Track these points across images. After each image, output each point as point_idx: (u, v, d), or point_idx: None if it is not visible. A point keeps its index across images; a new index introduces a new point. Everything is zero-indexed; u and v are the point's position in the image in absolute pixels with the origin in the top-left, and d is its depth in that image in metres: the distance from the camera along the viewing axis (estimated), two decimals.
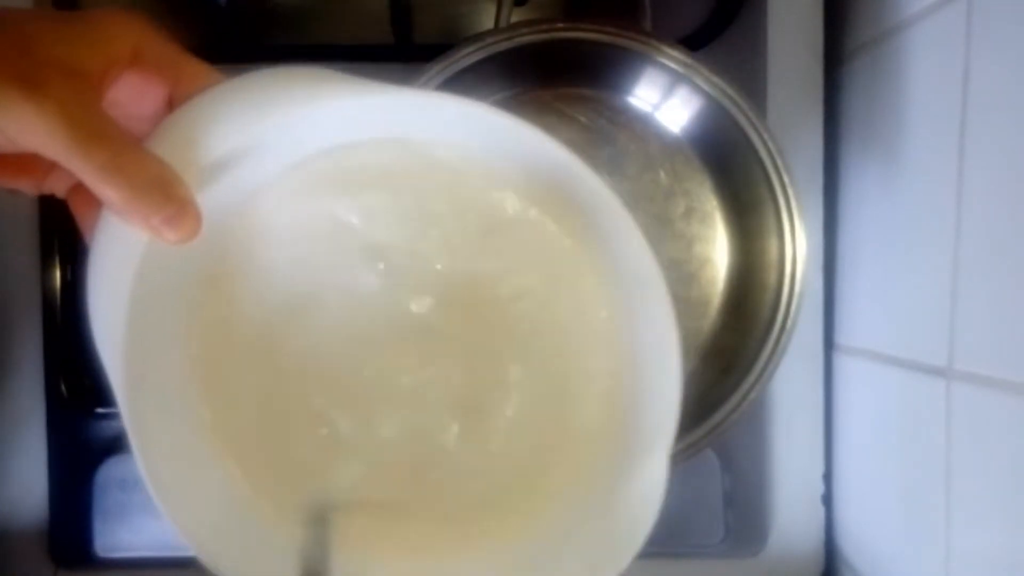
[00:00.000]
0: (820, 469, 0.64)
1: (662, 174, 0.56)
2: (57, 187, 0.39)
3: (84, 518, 0.62)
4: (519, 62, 0.53)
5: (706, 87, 0.52)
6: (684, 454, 0.52)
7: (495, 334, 0.46)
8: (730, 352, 0.55)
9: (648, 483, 0.42)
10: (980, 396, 0.46)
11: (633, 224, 0.40)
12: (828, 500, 0.64)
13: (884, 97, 0.57)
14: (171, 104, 0.38)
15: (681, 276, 0.56)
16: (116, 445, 0.62)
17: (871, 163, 0.59)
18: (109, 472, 0.62)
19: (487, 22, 0.55)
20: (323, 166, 0.42)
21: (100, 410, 0.62)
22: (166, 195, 0.35)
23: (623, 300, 0.44)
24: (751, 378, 0.52)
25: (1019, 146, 0.43)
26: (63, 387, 0.62)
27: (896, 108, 0.56)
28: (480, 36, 0.51)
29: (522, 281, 0.46)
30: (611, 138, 0.56)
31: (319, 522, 0.45)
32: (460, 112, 0.39)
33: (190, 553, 0.62)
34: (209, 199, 0.38)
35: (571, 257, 0.44)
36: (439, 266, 0.45)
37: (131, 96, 0.37)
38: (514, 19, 0.53)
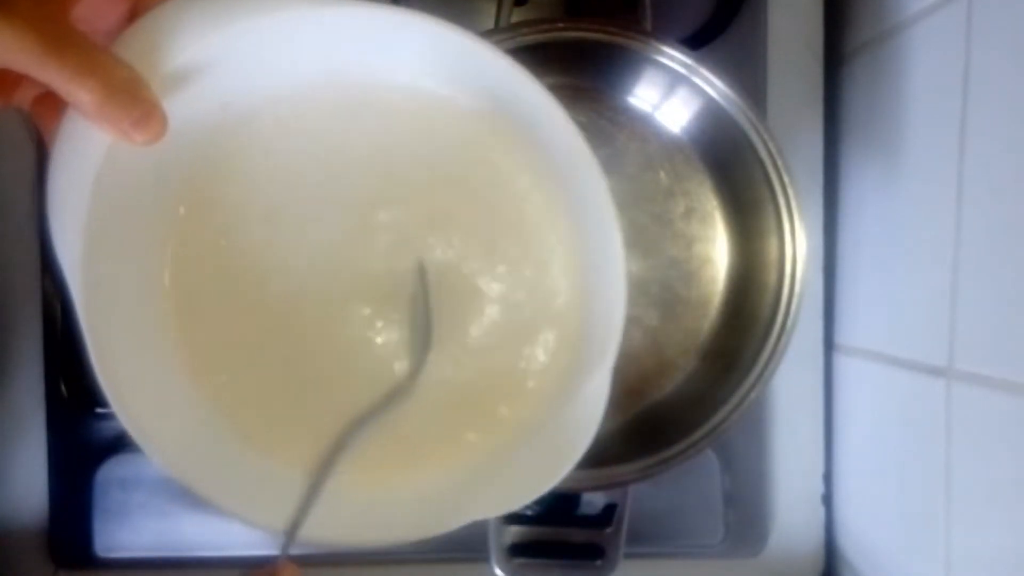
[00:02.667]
0: (820, 469, 0.64)
1: (662, 174, 0.56)
2: (24, 99, 0.40)
3: (84, 518, 0.62)
4: (520, 61, 0.53)
5: (706, 87, 0.52)
6: (684, 454, 0.52)
7: (465, 255, 0.48)
8: (730, 352, 0.55)
9: (591, 399, 0.44)
10: (980, 396, 0.46)
11: (579, 140, 0.42)
12: (828, 500, 0.64)
13: (884, 97, 0.57)
14: (133, 17, 0.39)
15: (681, 276, 0.56)
16: (116, 445, 0.62)
17: (871, 163, 0.59)
18: (109, 472, 0.62)
19: (487, 22, 0.55)
20: (289, 97, 0.44)
21: (100, 410, 0.62)
22: (134, 97, 0.37)
23: (578, 224, 0.46)
24: (751, 378, 0.52)
25: (1019, 146, 0.43)
26: (63, 387, 0.62)
27: (896, 108, 0.56)
28: (480, 36, 0.51)
29: (480, 203, 0.47)
30: (611, 138, 0.56)
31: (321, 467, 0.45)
32: (421, 28, 0.41)
33: (190, 553, 0.62)
34: (175, 108, 0.39)
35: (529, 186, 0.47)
36: (406, 202, 0.47)
37: (95, 11, 0.38)
38: (514, 19, 0.53)
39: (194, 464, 0.44)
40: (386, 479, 0.47)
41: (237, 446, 0.46)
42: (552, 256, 0.47)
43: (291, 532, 0.44)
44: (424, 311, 0.47)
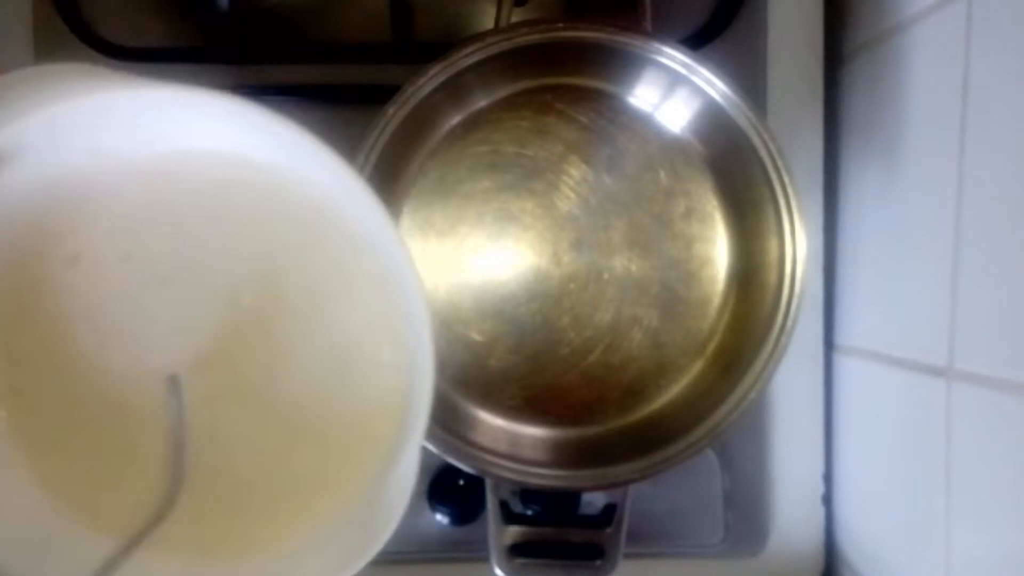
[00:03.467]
0: (820, 469, 0.64)
1: (662, 174, 0.56)
2: None
3: None
4: (519, 62, 0.53)
5: (706, 87, 0.52)
6: (684, 454, 0.52)
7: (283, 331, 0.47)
8: (730, 352, 0.55)
9: (403, 475, 0.43)
10: (980, 396, 0.46)
11: (384, 219, 0.41)
12: (828, 500, 0.64)
13: (884, 97, 0.57)
14: None
15: (681, 276, 0.56)
16: None
17: (871, 163, 0.60)
18: None
19: (487, 22, 0.55)
20: (94, 174, 0.43)
21: None
22: None
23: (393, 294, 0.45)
24: (751, 378, 0.52)
25: (1019, 146, 0.43)
26: None
27: (896, 108, 0.56)
28: (480, 36, 0.51)
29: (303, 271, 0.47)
30: (611, 138, 0.56)
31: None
32: (222, 109, 0.39)
33: None
34: None
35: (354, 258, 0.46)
36: (222, 277, 0.47)
37: None
38: (514, 19, 0.53)
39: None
40: (197, 557, 0.46)
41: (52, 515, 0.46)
42: (375, 328, 0.47)
43: None
44: (177, 428, 0.47)
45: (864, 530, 0.61)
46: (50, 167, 0.41)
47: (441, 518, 0.62)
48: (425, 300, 0.41)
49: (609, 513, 0.52)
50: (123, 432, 0.47)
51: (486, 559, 0.54)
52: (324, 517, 0.47)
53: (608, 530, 0.52)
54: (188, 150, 0.44)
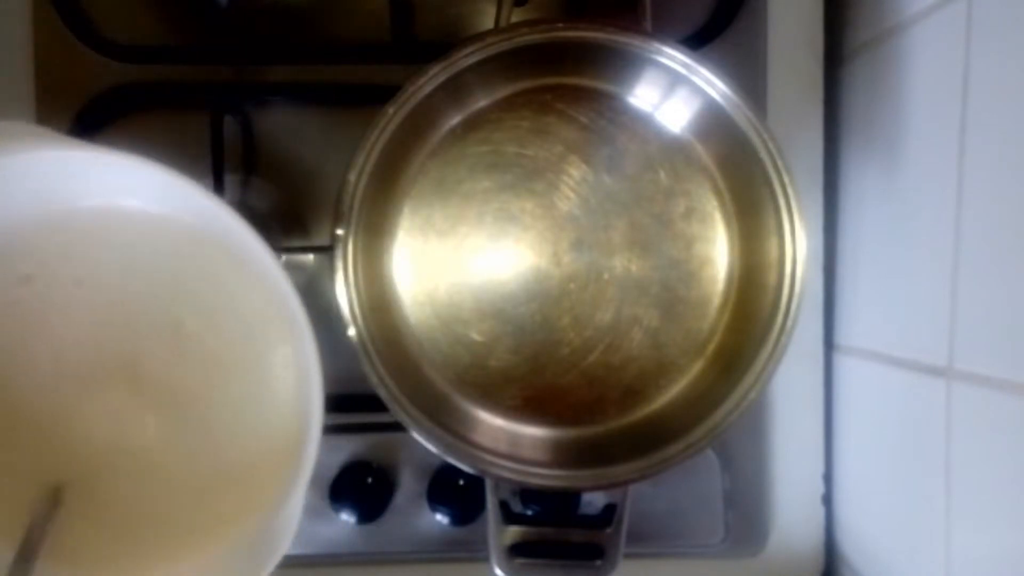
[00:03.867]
0: (820, 469, 0.64)
1: (662, 174, 0.56)
2: None
3: None
4: (519, 62, 0.53)
5: (706, 87, 0.52)
6: (684, 454, 0.52)
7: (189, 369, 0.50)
8: (730, 352, 0.55)
9: (290, 514, 0.46)
10: (980, 396, 0.46)
11: (279, 274, 0.45)
12: (828, 500, 0.64)
13: (884, 97, 0.57)
14: None
15: (681, 276, 0.56)
16: None
17: (871, 163, 0.60)
18: None
19: (487, 22, 0.55)
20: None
21: None
22: None
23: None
24: (751, 378, 0.52)
25: (1019, 146, 0.43)
26: None
27: (896, 108, 0.56)
28: (480, 36, 0.51)
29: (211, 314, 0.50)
30: (611, 138, 0.56)
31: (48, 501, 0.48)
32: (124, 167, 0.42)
33: None
34: None
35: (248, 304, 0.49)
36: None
37: None
38: (514, 19, 0.53)
39: None
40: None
41: None
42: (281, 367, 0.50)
43: None
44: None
45: (864, 530, 0.61)
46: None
47: (441, 518, 0.62)
48: (310, 334, 0.45)
49: (609, 513, 0.52)
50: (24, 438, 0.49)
51: (486, 559, 0.54)
52: (215, 548, 0.49)
53: (608, 530, 0.51)
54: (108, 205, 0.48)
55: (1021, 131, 0.43)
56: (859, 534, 0.61)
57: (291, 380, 0.49)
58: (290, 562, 0.63)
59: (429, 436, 0.51)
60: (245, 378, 0.50)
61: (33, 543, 0.46)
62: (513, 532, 0.51)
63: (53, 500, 0.48)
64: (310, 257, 0.63)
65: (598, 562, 0.51)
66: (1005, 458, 0.44)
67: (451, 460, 0.52)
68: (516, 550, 0.51)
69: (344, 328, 0.50)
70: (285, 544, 0.46)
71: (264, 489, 0.49)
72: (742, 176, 0.54)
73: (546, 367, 0.56)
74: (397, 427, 0.51)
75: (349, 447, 0.62)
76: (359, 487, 0.61)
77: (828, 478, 0.64)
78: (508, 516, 0.51)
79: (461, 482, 0.61)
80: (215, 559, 0.49)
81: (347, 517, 0.61)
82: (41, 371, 0.49)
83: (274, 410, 0.50)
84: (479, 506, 0.61)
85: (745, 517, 0.63)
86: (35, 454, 0.49)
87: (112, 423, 0.49)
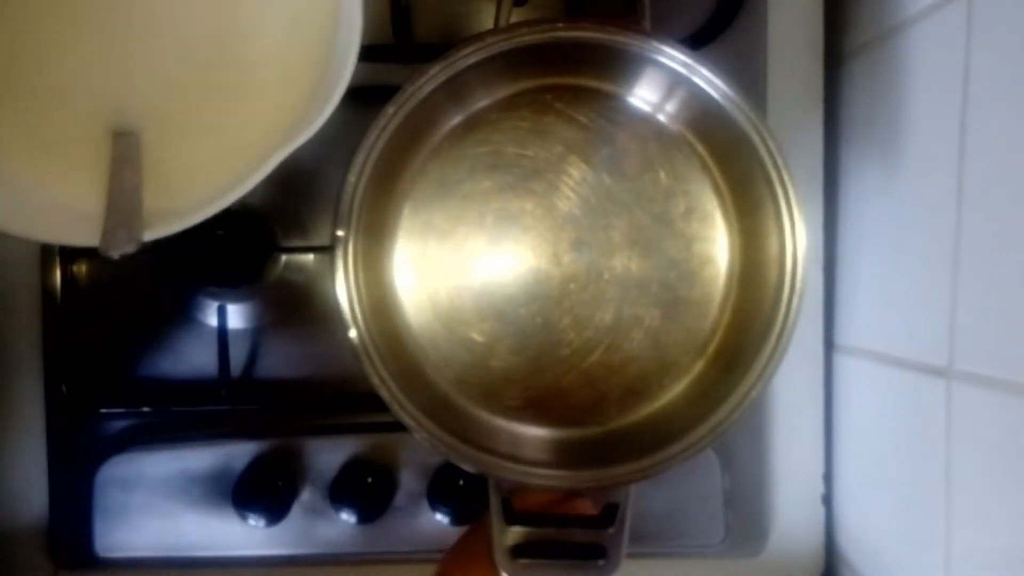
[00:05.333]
0: (820, 469, 0.64)
1: (662, 174, 0.56)
2: None
3: (84, 518, 0.62)
4: (519, 62, 0.53)
5: (706, 87, 0.52)
6: (685, 454, 0.52)
7: None
8: (731, 351, 0.55)
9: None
10: (980, 396, 0.46)
11: None
12: (828, 500, 0.64)
13: (884, 97, 0.57)
14: None
15: (682, 275, 0.56)
16: (116, 445, 0.62)
17: (871, 163, 0.60)
18: (109, 472, 0.62)
19: (487, 22, 0.55)
20: None
21: (100, 410, 0.62)
22: None
23: None
24: (752, 376, 0.52)
25: (1019, 146, 0.43)
26: (63, 387, 0.62)
27: (896, 108, 0.56)
28: (479, 36, 0.51)
29: None
30: (611, 138, 0.56)
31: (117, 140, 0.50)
32: None
33: (190, 553, 0.63)
34: None
35: None
36: None
37: None
38: (514, 19, 0.53)
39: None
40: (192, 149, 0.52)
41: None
42: None
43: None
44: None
45: (864, 530, 0.61)
46: None
47: (441, 518, 0.62)
48: None
49: (611, 513, 0.52)
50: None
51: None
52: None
53: (610, 530, 0.51)
54: None
55: (1021, 131, 0.43)
56: (859, 534, 0.61)
57: None
58: (290, 562, 0.63)
59: (431, 438, 0.51)
60: None
61: (128, 187, 0.48)
62: (515, 532, 0.51)
63: (129, 141, 0.50)
64: (310, 257, 0.63)
65: (601, 562, 0.51)
66: (1005, 458, 0.44)
67: (453, 461, 0.52)
68: (519, 550, 0.50)
69: (345, 330, 0.50)
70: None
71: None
72: (742, 175, 0.54)
73: (547, 368, 0.56)
74: (397, 427, 0.51)
75: (349, 447, 0.63)
76: (359, 487, 0.61)
77: (828, 478, 0.64)
78: (510, 516, 0.51)
79: (461, 482, 0.61)
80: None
81: (347, 517, 0.61)
82: None
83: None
84: (479, 506, 0.61)
85: (745, 517, 0.63)
86: (103, 89, 0.51)
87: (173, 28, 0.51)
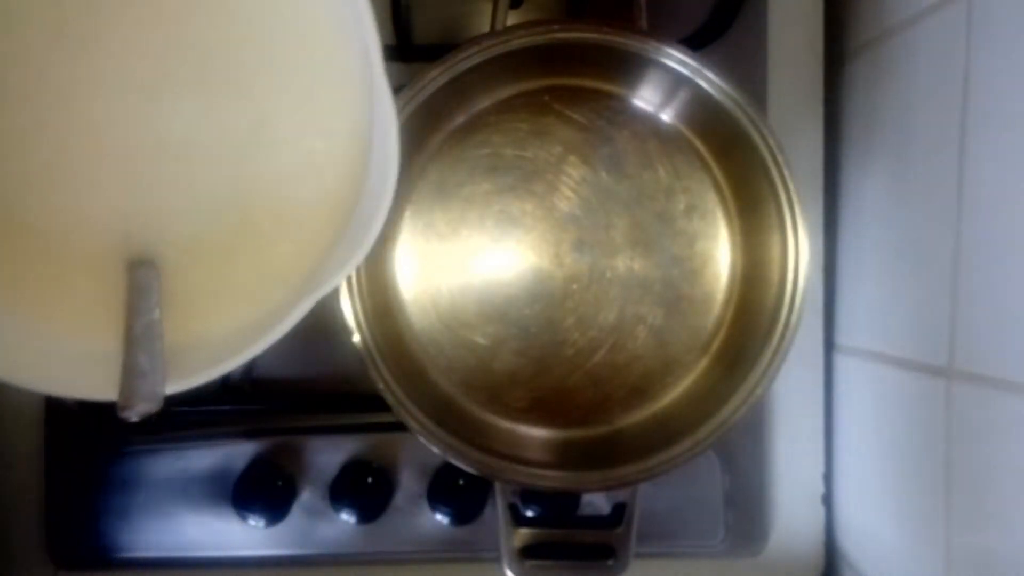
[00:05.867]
0: (820, 469, 0.64)
1: (662, 172, 0.56)
2: None
3: (84, 518, 0.62)
4: (517, 64, 0.53)
5: (706, 86, 0.52)
6: (691, 452, 0.52)
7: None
8: (735, 348, 0.55)
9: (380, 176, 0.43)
10: (980, 396, 0.46)
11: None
12: (828, 500, 0.64)
13: (884, 97, 0.57)
14: None
15: (684, 273, 0.56)
16: (116, 445, 0.62)
17: (871, 163, 0.60)
18: (109, 472, 0.62)
19: (488, 22, 0.55)
20: None
21: (101, 410, 0.62)
22: None
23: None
24: (756, 373, 0.52)
25: (1019, 146, 0.43)
26: None
27: (896, 108, 0.56)
28: (477, 39, 0.51)
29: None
30: (610, 137, 0.56)
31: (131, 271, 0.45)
32: None
33: (190, 553, 0.62)
34: None
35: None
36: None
37: None
38: (512, 21, 0.53)
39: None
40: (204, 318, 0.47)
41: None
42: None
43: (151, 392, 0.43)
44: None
45: (864, 530, 0.61)
46: None
47: (441, 518, 0.62)
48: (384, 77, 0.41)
49: (618, 513, 0.52)
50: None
51: (486, 559, 0.54)
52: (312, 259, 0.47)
53: (618, 530, 0.52)
54: None
55: (1021, 131, 0.43)
56: (859, 534, 0.62)
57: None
58: (290, 562, 0.63)
59: (436, 441, 0.51)
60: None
61: (146, 324, 0.44)
62: (523, 534, 0.51)
63: (147, 271, 0.45)
64: None
65: (610, 562, 0.51)
66: (1005, 458, 0.44)
67: (459, 464, 0.52)
68: (527, 552, 0.51)
69: (349, 335, 0.50)
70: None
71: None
72: (742, 171, 0.55)
73: (551, 368, 0.56)
74: (397, 427, 0.51)
75: (349, 447, 0.62)
76: (359, 487, 0.61)
77: (828, 478, 0.64)
78: (517, 518, 0.51)
79: (461, 482, 0.61)
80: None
81: (347, 517, 0.61)
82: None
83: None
84: (479, 506, 0.61)
85: (745, 517, 0.63)
86: (112, 220, 0.46)
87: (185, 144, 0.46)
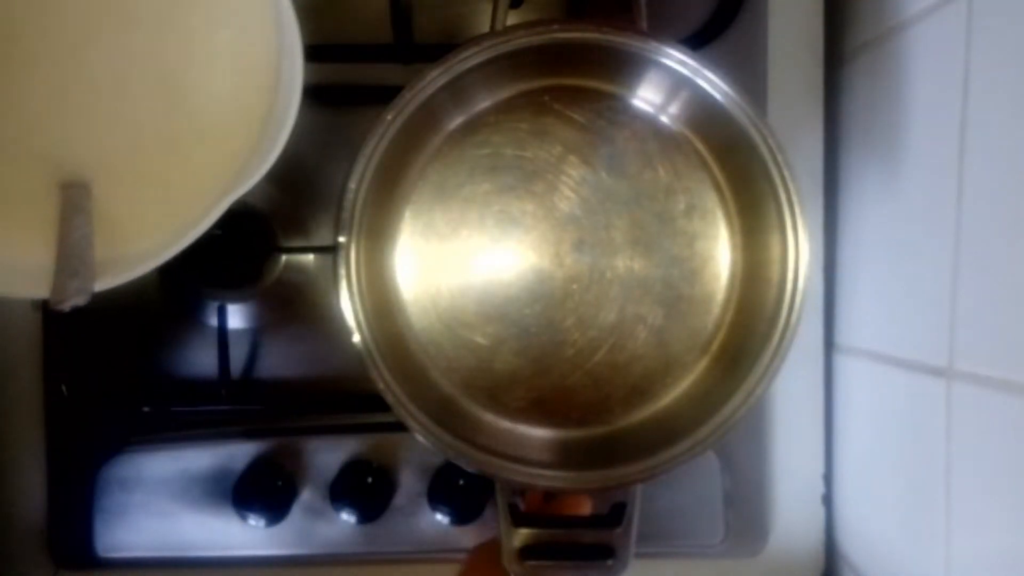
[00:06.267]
0: (820, 469, 0.64)
1: (662, 171, 0.56)
2: None
3: (84, 518, 0.62)
4: (517, 64, 0.53)
5: (706, 86, 0.52)
6: (691, 452, 0.52)
7: None
8: (735, 348, 0.55)
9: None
10: (980, 396, 0.46)
11: None
12: (828, 500, 0.65)
13: (884, 97, 0.57)
14: None
15: (684, 273, 0.56)
16: (116, 445, 0.62)
17: (871, 163, 0.60)
18: (109, 472, 0.62)
19: (487, 22, 0.55)
20: None
21: (100, 410, 0.62)
22: None
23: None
24: (756, 373, 0.52)
25: (1019, 146, 0.43)
26: (63, 387, 0.62)
27: (896, 108, 0.56)
28: (477, 40, 0.51)
29: None
30: (610, 137, 0.56)
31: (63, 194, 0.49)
32: None
33: (190, 553, 0.62)
34: None
35: None
36: None
37: None
38: (512, 20, 0.53)
39: None
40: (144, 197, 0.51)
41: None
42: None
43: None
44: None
45: (864, 530, 0.61)
46: None
47: (441, 518, 0.62)
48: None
49: (618, 513, 0.52)
50: None
51: None
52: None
53: (618, 529, 0.51)
54: None
55: (1021, 131, 0.43)
56: (859, 534, 0.62)
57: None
58: (290, 562, 0.63)
59: (436, 440, 0.51)
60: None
61: (78, 237, 0.48)
62: (523, 534, 0.51)
63: (79, 192, 0.49)
64: (310, 257, 0.63)
65: (610, 561, 0.51)
66: (1005, 458, 0.44)
67: (459, 464, 0.52)
68: (527, 552, 0.51)
69: (349, 335, 0.50)
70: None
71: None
72: (742, 172, 0.55)
73: (551, 368, 0.56)
74: (397, 427, 0.51)
75: (349, 447, 0.62)
76: (359, 487, 0.61)
77: (828, 478, 0.64)
78: (517, 518, 0.51)
79: (461, 482, 0.61)
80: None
81: (347, 517, 0.61)
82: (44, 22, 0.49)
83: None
84: (479, 506, 0.61)
85: (745, 517, 0.63)
86: (48, 139, 0.50)
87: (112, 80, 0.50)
